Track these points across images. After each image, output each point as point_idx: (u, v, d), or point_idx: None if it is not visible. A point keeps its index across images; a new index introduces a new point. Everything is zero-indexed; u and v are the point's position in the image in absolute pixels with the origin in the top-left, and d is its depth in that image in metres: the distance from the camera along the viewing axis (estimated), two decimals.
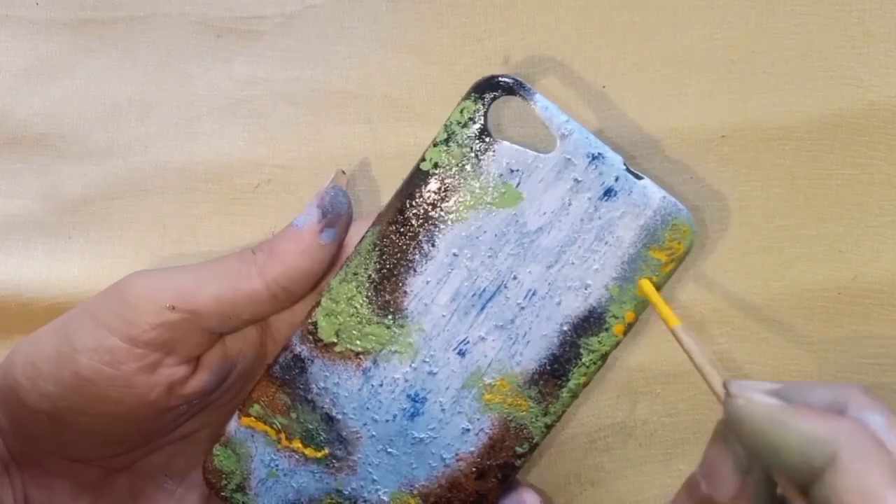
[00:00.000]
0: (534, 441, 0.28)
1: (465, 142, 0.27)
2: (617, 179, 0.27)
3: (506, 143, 0.27)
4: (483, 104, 0.27)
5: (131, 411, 0.27)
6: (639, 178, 0.27)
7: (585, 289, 0.28)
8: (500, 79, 0.27)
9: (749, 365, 0.32)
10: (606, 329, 0.28)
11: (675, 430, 0.33)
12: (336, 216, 0.28)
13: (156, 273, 0.27)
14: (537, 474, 0.33)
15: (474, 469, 0.29)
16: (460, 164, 0.27)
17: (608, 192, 0.27)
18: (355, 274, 0.28)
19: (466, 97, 0.27)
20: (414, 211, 0.28)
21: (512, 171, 0.27)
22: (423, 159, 0.28)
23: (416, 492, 0.29)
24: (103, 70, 0.32)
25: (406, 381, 0.28)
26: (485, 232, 0.27)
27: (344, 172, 0.30)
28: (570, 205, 0.27)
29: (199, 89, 0.32)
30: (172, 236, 0.33)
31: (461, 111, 0.27)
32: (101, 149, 0.32)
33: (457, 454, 0.29)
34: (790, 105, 0.31)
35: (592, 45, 0.32)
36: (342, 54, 0.32)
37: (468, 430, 0.28)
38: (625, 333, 0.28)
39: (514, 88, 0.27)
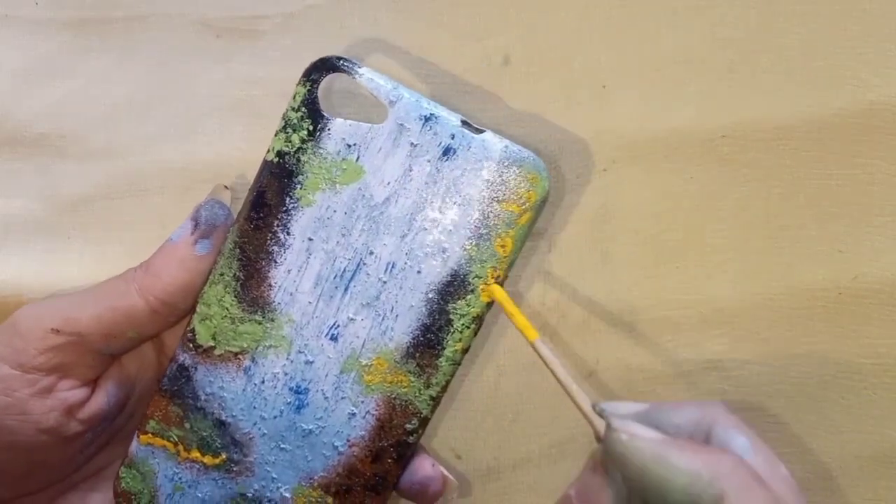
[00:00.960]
0: (422, 415, 0.29)
1: (301, 125, 0.27)
2: (453, 137, 0.27)
3: (339, 120, 0.27)
4: (312, 86, 0.27)
5: (32, 441, 0.27)
6: (479, 132, 0.27)
7: (443, 252, 0.27)
8: (324, 59, 0.27)
9: (749, 365, 0.32)
10: (472, 291, 0.28)
11: None
12: (210, 227, 0.28)
13: (45, 301, 0.28)
14: (537, 474, 0.33)
15: (368, 452, 0.29)
16: (300, 149, 0.27)
17: (447, 151, 0.27)
18: (221, 275, 0.28)
19: (298, 83, 0.27)
20: (265, 202, 0.28)
21: (349, 146, 0.27)
22: (268, 150, 0.28)
23: (315, 483, 0.29)
24: (103, 70, 0.32)
25: (286, 374, 0.28)
26: (335, 212, 0.27)
27: (226, 187, 0.30)
28: (411, 170, 0.27)
29: (199, 89, 0.32)
30: None
31: (294, 97, 0.27)
32: (101, 149, 0.32)
33: (348, 440, 0.29)
34: (790, 105, 0.31)
35: (592, 45, 0.32)
36: (342, 54, 0.32)
37: (354, 414, 0.29)
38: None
39: (337, 67, 0.27)
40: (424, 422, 0.29)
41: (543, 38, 0.32)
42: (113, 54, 0.32)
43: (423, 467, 0.29)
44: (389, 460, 0.29)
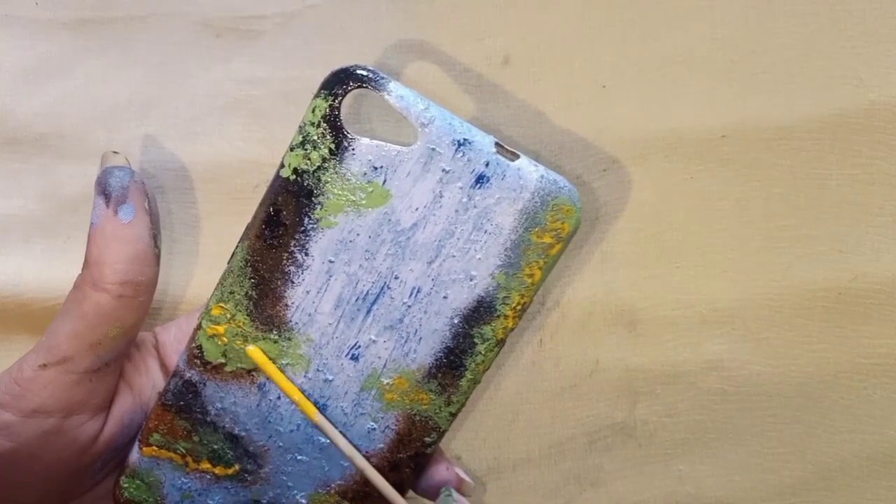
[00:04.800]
0: (441, 430, 0.28)
1: (322, 143, 0.25)
2: (488, 164, 0.26)
3: (365, 140, 0.25)
4: (334, 101, 0.25)
5: (45, 475, 0.26)
6: (514, 157, 0.26)
7: (471, 280, 0.27)
8: (348, 71, 0.25)
9: (749, 365, 0.32)
10: (498, 316, 0.27)
11: (675, 430, 0.33)
12: (122, 190, 0.26)
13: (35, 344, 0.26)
14: (537, 474, 0.33)
15: (387, 463, 0.28)
16: (320, 167, 0.26)
17: (480, 179, 0.26)
18: (232, 293, 0.27)
19: (317, 95, 0.25)
20: (280, 221, 0.26)
21: (376, 168, 0.26)
22: (281, 165, 0.26)
23: (333, 490, 0.29)
24: (103, 70, 0.32)
25: (303, 390, 0.28)
26: (358, 234, 0.26)
27: (116, 153, 0.28)
28: (441, 197, 0.26)
29: (199, 89, 0.32)
30: (172, 236, 0.32)
31: (313, 111, 0.25)
32: (101, 149, 0.32)
33: (367, 453, 0.28)
34: (790, 105, 0.31)
35: (592, 45, 0.32)
36: (342, 54, 0.32)
37: (374, 429, 0.28)
38: (518, 318, 0.27)
39: (364, 80, 0.25)
40: (442, 434, 0.29)
41: (543, 38, 0.32)
42: (113, 54, 0.32)
43: (439, 472, 0.29)
44: (407, 469, 0.29)
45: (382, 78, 0.25)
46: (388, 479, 0.29)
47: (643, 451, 0.33)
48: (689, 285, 0.32)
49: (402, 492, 0.29)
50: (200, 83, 0.32)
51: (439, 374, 0.28)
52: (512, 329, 0.27)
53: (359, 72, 0.25)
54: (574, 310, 0.33)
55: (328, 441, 0.28)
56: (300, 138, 0.25)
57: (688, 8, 0.31)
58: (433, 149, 0.26)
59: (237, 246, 0.27)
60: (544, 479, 0.33)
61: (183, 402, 0.28)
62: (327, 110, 0.25)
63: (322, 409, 0.28)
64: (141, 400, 0.29)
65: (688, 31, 0.31)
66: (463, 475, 0.29)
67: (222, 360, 0.27)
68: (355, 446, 0.28)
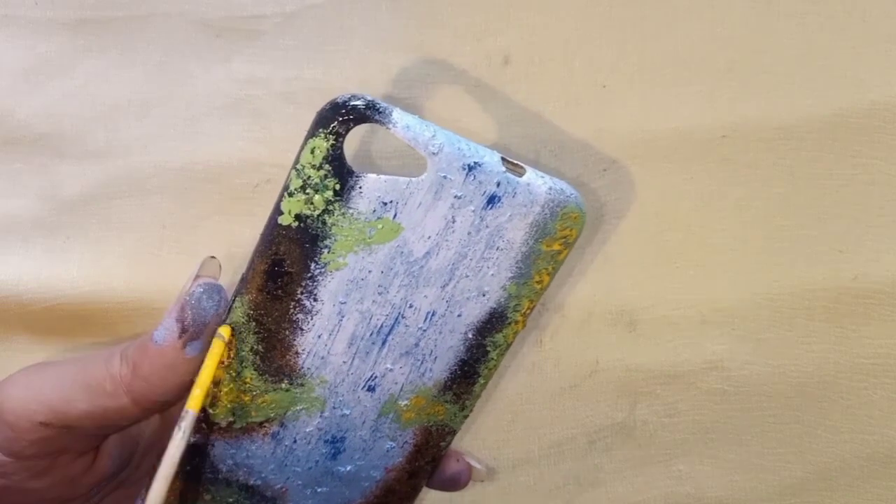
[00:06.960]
0: (455, 432, 0.28)
1: (325, 185, 0.24)
2: (499, 185, 0.25)
3: (372, 176, 0.24)
4: (335, 139, 0.23)
5: None
6: (520, 171, 0.25)
7: (484, 295, 0.26)
8: (347, 105, 0.23)
9: (749, 365, 0.32)
10: (509, 323, 0.27)
11: (674, 430, 0.33)
12: (200, 326, 0.25)
13: (30, 382, 0.26)
14: (537, 475, 0.33)
15: (406, 473, 0.28)
16: (325, 210, 0.24)
17: (491, 200, 0.25)
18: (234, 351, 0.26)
19: (312, 133, 0.23)
20: (284, 271, 0.25)
21: (385, 203, 0.24)
22: (279, 212, 0.24)
23: None
24: (103, 70, 0.32)
25: (320, 429, 0.27)
26: (370, 272, 0.25)
27: (213, 257, 0.27)
28: (454, 222, 0.25)
29: (199, 89, 0.32)
30: (172, 236, 0.32)
31: (311, 151, 0.23)
32: (100, 149, 0.32)
33: (386, 468, 0.28)
34: (790, 105, 0.31)
35: (592, 45, 0.32)
36: (342, 54, 0.32)
37: (392, 447, 0.28)
38: (527, 320, 0.27)
39: (365, 115, 0.23)
40: (455, 434, 0.29)
41: (543, 38, 0.32)
42: (112, 54, 0.32)
43: (450, 466, 0.29)
44: (424, 473, 0.29)
45: (384, 108, 0.23)
46: (406, 486, 0.29)
47: (643, 452, 0.33)
48: (689, 285, 0.32)
49: (418, 489, 0.29)
50: (200, 83, 0.32)
51: (454, 386, 0.27)
52: (521, 331, 0.27)
53: (358, 105, 0.23)
54: (574, 310, 0.33)
55: (348, 469, 0.28)
56: (299, 182, 0.24)
57: (688, 8, 0.31)
58: (444, 176, 0.24)
59: (234, 300, 0.25)
60: (544, 480, 0.33)
61: (189, 467, 0.27)
62: (329, 150, 0.23)
63: (340, 441, 0.28)
64: (129, 434, 0.28)
65: (688, 31, 0.31)
66: (474, 463, 0.30)
67: (231, 419, 0.26)
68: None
